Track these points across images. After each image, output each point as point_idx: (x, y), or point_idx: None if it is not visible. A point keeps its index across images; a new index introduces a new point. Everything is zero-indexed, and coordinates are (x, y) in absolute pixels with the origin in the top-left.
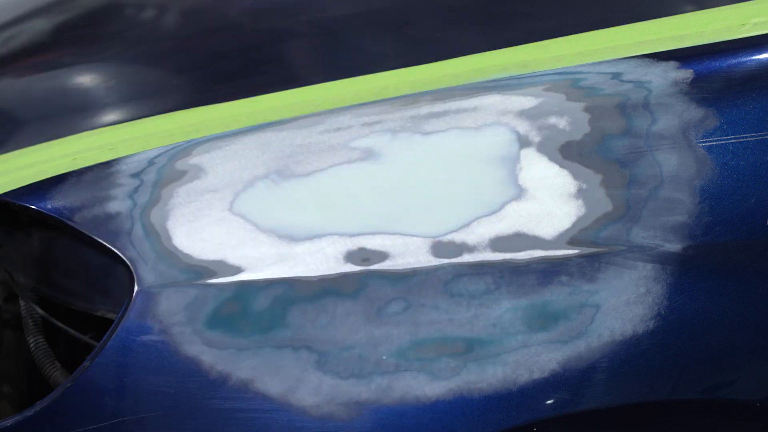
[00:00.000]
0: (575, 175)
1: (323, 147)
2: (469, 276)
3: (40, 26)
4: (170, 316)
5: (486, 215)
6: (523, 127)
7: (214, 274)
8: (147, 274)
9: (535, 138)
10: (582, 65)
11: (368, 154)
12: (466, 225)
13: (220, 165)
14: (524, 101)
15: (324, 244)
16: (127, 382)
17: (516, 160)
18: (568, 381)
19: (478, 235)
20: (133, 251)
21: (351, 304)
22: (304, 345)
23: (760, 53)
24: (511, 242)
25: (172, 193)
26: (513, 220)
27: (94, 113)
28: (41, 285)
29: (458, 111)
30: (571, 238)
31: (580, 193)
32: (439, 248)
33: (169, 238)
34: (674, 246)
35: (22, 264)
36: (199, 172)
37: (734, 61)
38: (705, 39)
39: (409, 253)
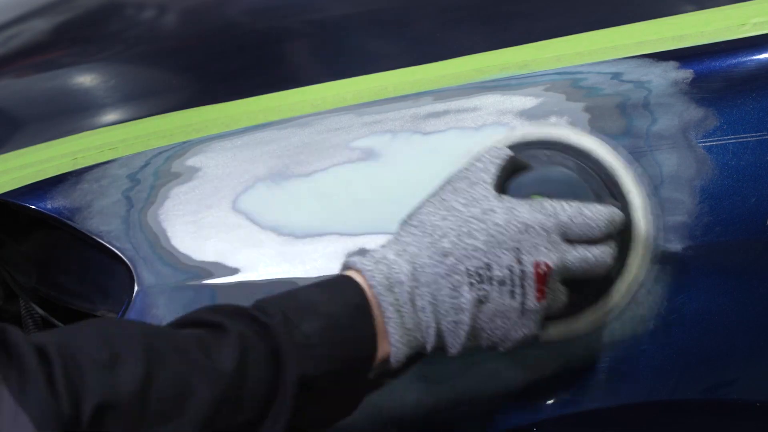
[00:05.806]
0: None
1: (323, 147)
2: None
3: (40, 26)
4: (170, 316)
5: None
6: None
7: (213, 275)
8: (147, 274)
9: None
10: (582, 65)
11: (368, 154)
12: None
13: (219, 165)
14: (524, 101)
15: (324, 244)
16: None
17: None
18: (568, 381)
19: None
20: (133, 251)
21: None
22: None
23: (760, 53)
24: None
25: (172, 193)
26: None
27: (94, 113)
28: (41, 285)
29: (458, 111)
30: None
31: None
32: None
33: (169, 238)
34: (674, 246)
35: (22, 264)
36: (198, 172)
37: (734, 61)
38: (705, 39)
39: None
